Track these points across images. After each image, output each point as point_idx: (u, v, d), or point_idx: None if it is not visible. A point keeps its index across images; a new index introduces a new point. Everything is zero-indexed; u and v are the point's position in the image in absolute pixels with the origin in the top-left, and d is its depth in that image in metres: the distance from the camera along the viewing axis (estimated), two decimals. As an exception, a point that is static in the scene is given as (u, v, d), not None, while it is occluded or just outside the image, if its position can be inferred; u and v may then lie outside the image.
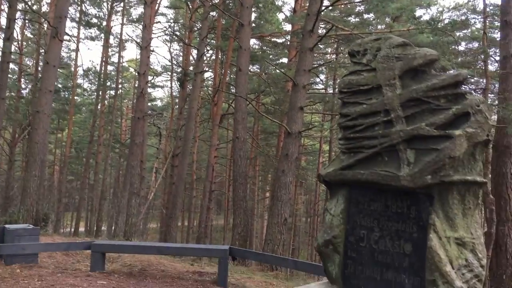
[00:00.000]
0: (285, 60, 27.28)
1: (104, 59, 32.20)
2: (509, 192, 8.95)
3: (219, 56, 26.71)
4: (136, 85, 23.28)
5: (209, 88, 28.36)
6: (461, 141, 1.85)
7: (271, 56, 29.16)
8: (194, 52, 26.98)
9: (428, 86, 1.98)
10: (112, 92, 34.67)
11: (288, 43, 24.83)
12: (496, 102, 12.72)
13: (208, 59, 30.61)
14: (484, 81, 14.28)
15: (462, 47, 18.76)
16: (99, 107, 32.57)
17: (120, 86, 37.67)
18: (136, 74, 20.21)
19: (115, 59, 36.51)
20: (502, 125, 9.58)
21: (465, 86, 2.13)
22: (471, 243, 1.88)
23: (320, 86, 28.96)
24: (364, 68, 2.16)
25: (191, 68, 26.80)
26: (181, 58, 33.91)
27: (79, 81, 39.17)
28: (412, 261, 1.90)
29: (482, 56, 14.78)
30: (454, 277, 1.81)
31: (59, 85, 37.49)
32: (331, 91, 25.31)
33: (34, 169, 13.56)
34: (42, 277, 7.41)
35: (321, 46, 25.57)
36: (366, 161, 2.05)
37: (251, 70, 27.67)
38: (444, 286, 1.80)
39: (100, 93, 32.62)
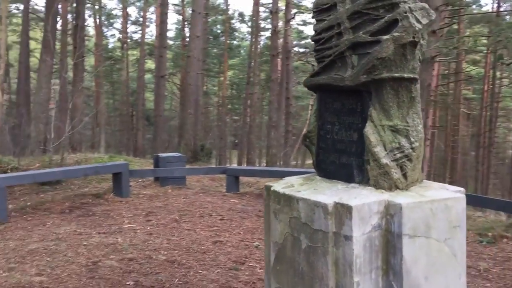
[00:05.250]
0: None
1: (255, 1, 33.29)
2: None
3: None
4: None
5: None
6: (388, 44, 2.13)
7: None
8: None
9: (366, -1, 2.29)
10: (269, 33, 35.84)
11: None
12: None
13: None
14: None
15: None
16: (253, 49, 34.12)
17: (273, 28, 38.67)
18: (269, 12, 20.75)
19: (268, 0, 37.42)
20: None
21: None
22: (405, 130, 2.23)
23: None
24: (326, -12, 2.52)
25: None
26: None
27: (237, 25, 41.33)
28: (358, 146, 2.32)
29: None
30: (381, 156, 2.19)
31: (218, 31, 40.10)
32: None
33: (189, 108, 15.42)
34: (187, 196, 8.84)
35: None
36: (327, 68, 2.44)
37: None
38: (374, 163, 2.21)
39: (252, 35, 33.96)
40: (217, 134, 32.89)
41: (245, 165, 25.69)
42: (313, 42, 2.54)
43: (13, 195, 8.31)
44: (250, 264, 5.28)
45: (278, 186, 2.52)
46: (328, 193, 2.27)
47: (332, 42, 2.41)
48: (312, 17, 2.54)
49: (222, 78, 40.52)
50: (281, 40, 26.90)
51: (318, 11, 2.49)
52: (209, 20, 34.60)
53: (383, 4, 2.20)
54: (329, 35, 2.42)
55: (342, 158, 2.41)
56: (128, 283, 4.55)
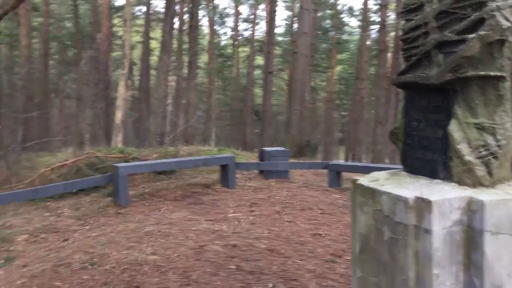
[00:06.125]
0: None
1: (366, -5, 32.61)
2: None
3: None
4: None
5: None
6: (473, 43, 2.12)
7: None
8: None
9: (453, -2, 2.29)
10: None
11: None
12: None
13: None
14: None
15: None
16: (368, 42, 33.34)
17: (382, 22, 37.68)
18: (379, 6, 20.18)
19: (378, -7, 36.42)
20: None
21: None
22: (491, 128, 2.21)
23: None
24: (414, -12, 2.56)
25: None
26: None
27: (346, 19, 40.83)
28: (442, 143, 2.34)
29: None
30: (465, 153, 2.20)
31: (327, 25, 39.94)
32: None
33: (295, 104, 15.69)
34: (290, 189, 9.09)
35: None
36: (413, 67, 2.47)
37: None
38: (457, 160, 2.22)
39: (362, 30, 33.34)
40: (324, 129, 32.87)
41: (351, 161, 25.44)
42: (401, 42, 2.61)
43: (133, 182, 9.18)
44: (347, 258, 5.37)
45: (364, 180, 2.65)
46: (411, 187, 2.35)
47: (419, 41, 2.47)
48: (401, 17, 2.61)
49: (330, 73, 40.25)
50: (392, 33, 26.14)
51: (406, 11, 2.57)
52: (318, 15, 34.59)
53: (470, 3, 2.23)
54: (416, 35, 2.48)
55: (427, 154, 2.47)
56: (230, 267, 4.90)
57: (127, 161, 9.49)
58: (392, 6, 25.88)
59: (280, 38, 38.94)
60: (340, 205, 8.02)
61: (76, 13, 29.46)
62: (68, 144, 16.18)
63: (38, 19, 30.37)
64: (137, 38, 35.28)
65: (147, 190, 8.67)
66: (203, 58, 39.25)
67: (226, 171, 8.83)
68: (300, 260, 5.21)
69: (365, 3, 30.91)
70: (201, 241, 5.68)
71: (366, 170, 9.36)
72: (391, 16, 25.00)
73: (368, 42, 33.69)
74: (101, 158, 9.51)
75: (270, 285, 4.44)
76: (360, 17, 35.11)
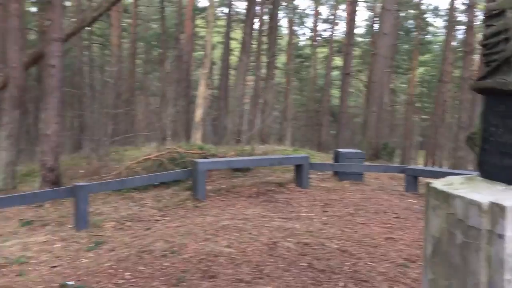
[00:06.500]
0: None
1: (452, -7, 31.28)
2: None
3: None
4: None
5: None
6: None
7: None
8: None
9: (533, 5, 2.26)
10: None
11: None
12: None
13: None
14: None
15: None
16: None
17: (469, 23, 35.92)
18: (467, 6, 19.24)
19: (465, -8, 34.79)
20: None
21: None
22: None
23: None
24: (498, -6, 2.54)
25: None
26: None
27: (430, 19, 39.32)
28: None
29: None
30: None
31: (409, 26, 38.72)
32: None
33: (372, 106, 15.46)
34: (363, 192, 9.03)
35: None
36: (493, 72, 2.45)
37: None
38: None
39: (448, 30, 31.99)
40: (403, 133, 31.98)
41: (431, 166, 24.58)
42: (482, 47, 2.61)
43: (211, 178, 9.55)
44: (421, 263, 5.30)
45: (438, 183, 2.67)
46: (485, 192, 2.36)
47: (499, 47, 2.46)
48: (483, 23, 2.61)
49: (411, 75, 38.96)
50: (479, 35, 24.89)
51: (488, 17, 2.56)
52: (401, 15, 33.64)
53: (554, 10, 2.21)
54: (496, 40, 2.48)
55: (504, 160, 2.45)
56: (302, 264, 5.03)
57: (205, 158, 9.89)
58: (481, 5, 24.65)
59: (359, 39, 38.33)
60: (416, 210, 7.87)
61: (162, 15, 30.83)
62: (152, 139, 17.04)
63: (127, 20, 32.12)
64: (218, 38, 36.23)
65: (223, 186, 8.99)
66: (281, 59, 39.53)
67: (300, 171, 8.95)
68: (372, 262, 5.22)
69: (452, 3, 29.64)
70: (274, 237, 5.85)
71: (444, 176, 9.09)
72: (479, 16, 23.83)
73: (453, 43, 32.29)
74: (182, 153, 9.98)
75: (341, 284, 4.52)
76: (445, 17, 33.70)
